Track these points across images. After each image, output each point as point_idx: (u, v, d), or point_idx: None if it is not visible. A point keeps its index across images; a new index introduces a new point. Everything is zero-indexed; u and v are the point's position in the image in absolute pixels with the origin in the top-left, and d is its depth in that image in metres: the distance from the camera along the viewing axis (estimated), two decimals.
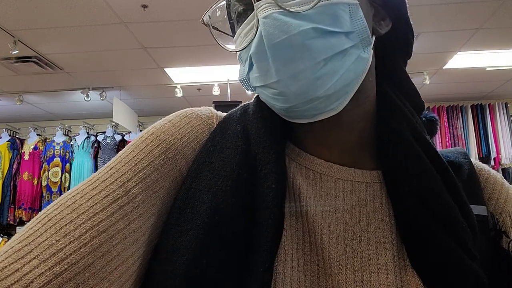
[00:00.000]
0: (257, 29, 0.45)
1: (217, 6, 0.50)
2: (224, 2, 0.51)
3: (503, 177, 0.57)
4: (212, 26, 0.52)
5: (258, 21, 0.45)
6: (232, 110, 0.57)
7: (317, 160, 0.51)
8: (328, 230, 0.47)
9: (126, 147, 0.49)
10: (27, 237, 0.39)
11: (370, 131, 0.53)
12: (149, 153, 0.47)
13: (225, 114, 0.57)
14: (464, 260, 0.44)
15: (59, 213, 0.41)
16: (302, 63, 0.44)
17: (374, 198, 0.50)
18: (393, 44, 0.56)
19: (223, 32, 0.54)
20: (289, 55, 0.44)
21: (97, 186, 0.43)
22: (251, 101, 0.56)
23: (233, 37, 0.53)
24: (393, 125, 0.51)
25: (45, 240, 0.38)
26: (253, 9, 0.46)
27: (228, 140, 0.50)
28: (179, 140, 0.50)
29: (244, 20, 0.49)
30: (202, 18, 0.51)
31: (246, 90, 0.54)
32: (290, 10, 0.44)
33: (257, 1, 0.45)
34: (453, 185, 0.48)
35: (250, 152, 0.48)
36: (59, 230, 0.39)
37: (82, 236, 0.39)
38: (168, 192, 0.48)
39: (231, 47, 0.51)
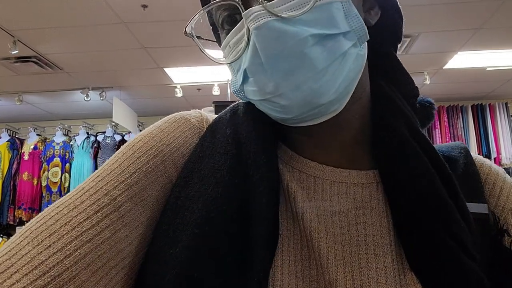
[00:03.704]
0: (248, 39, 0.42)
1: (200, 15, 0.47)
2: (207, 9, 0.48)
3: (505, 172, 0.54)
4: (196, 36, 0.49)
5: (249, 32, 0.42)
6: (221, 112, 0.54)
7: (310, 163, 0.49)
8: (325, 234, 0.45)
9: (113, 155, 0.47)
10: (9, 251, 0.37)
11: (366, 127, 0.51)
12: (136, 160, 0.45)
13: (215, 116, 0.54)
14: (464, 261, 0.43)
15: (41, 225, 0.39)
16: (303, 74, 0.41)
17: (371, 199, 0.47)
18: (382, 31, 0.53)
19: (209, 40, 0.52)
20: (289, 66, 0.41)
21: (82, 195, 0.42)
22: (241, 101, 0.53)
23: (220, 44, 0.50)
24: (388, 120, 0.49)
25: (27, 253, 0.37)
26: (239, 13, 0.43)
27: (217, 145, 0.48)
28: (167, 146, 0.48)
29: (231, 28, 0.46)
30: (185, 30, 0.48)
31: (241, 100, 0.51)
32: (283, 16, 0.41)
33: (245, 10, 0.42)
34: (450, 182, 0.46)
35: (241, 156, 0.46)
36: (41, 242, 0.38)
37: (65, 247, 0.38)
38: (157, 200, 0.46)
39: (216, 53, 0.48)
